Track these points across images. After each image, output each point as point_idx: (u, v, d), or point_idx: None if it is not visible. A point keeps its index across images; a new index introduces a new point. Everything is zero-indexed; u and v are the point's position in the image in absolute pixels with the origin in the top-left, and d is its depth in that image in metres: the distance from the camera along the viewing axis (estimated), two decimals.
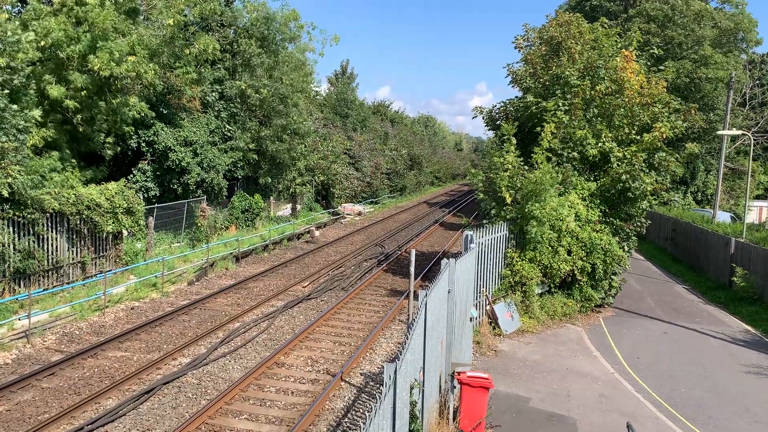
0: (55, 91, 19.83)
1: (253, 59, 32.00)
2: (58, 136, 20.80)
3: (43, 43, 19.96)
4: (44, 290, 17.73)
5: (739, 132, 28.07)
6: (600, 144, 19.83)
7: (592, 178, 20.32)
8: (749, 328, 19.73)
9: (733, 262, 24.09)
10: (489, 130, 24.50)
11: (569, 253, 18.93)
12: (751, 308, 21.50)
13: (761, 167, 54.32)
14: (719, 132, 29.94)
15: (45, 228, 17.93)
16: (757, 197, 49.74)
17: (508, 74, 23.08)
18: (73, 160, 21.78)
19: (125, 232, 21.91)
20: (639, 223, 20.27)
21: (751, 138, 29.61)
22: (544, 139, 19.19)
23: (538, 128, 19.77)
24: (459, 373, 10.77)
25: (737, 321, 20.56)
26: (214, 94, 31.51)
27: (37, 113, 18.69)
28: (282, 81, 33.79)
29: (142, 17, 25.06)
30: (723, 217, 35.60)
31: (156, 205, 25.60)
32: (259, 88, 31.96)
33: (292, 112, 34.56)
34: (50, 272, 18.38)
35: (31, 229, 17.45)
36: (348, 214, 43.94)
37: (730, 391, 14.07)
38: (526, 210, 17.91)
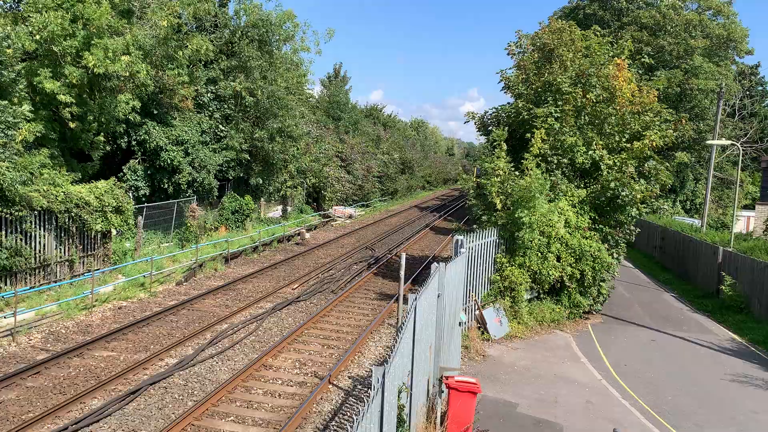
0: (49, 84, 19.70)
1: (249, 62, 31.95)
2: (48, 133, 20.66)
3: (38, 36, 19.85)
4: (31, 288, 17.58)
5: (728, 142, 28.32)
6: (590, 152, 19.93)
7: (582, 185, 20.41)
8: (735, 336, 19.86)
9: (721, 271, 24.26)
10: (481, 135, 24.57)
11: (558, 259, 18.99)
12: (737, 317, 21.65)
13: (749, 177, 54.82)
14: (709, 142, 30.20)
15: (33, 225, 17.78)
16: (745, 207, 50.15)
17: (501, 80, 23.16)
18: (63, 158, 21.62)
19: (114, 231, 21.77)
20: (628, 231, 20.38)
21: (740, 148, 29.86)
22: (534, 145, 19.27)
23: (528, 134, 19.85)
24: (447, 378, 10.76)
25: (724, 329, 20.69)
26: (208, 94, 31.43)
27: (26, 108, 18.54)
28: (276, 82, 33.74)
29: (135, 17, 24.96)
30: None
31: (146, 204, 25.47)
32: (253, 89, 31.90)
33: (286, 114, 34.52)
34: (37, 270, 18.23)
35: (18, 227, 17.29)
36: (339, 217, 43.90)
37: (716, 399, 14.15)
38: (516, 216, 17.96)
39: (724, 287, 23.26)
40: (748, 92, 56.80)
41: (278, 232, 32.35)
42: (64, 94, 20.05)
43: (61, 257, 19.08)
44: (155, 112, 27.25)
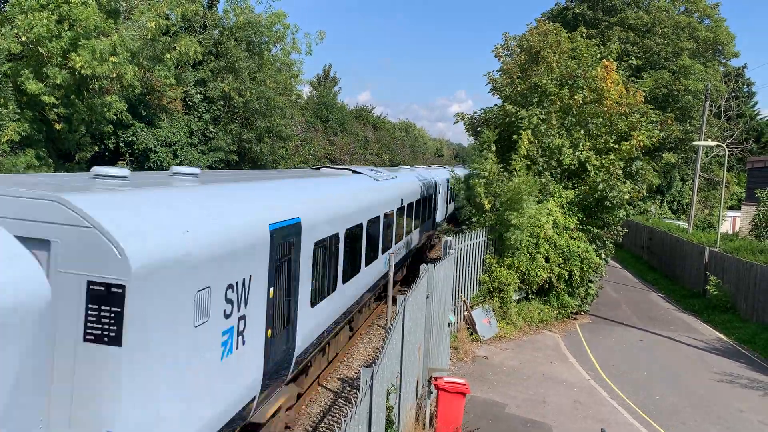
0: (32, 85, 19.52)
1: (238, 63, 31.82)
2: (34, 134, 20.47)
3: (24, 38, 19.67)
4: None
5: (714, 143, 28.58)
6: (577, 153, 20.03)
7: (570, 186, 20.51)
8: (722, 336, 20.03)
9: (707, 271, 24.46)
10: (470, 136, 24.65)
11: (547, 260, 19.07)
12: (724, 316, 21.83)
13: (735, 178, 55.34)
14: (695, 142, 30.44)
15: None
16: (731, 208, 50.63)
17: (489, 82, 23.23)
18: (50, 160, 21.42)
19: None
20: (616, 231, 20.50)
21: (726, 149, 30.13)
22: (522, 146, 19.34)
23: (516, 136, 19.93)
24: (436, 379, 10.78)
25: (710, 329, 20.87)
26: (197, 96, 31.27)
27: (11, 110, 18.37)
28: (266, 83, 33.61)
29: (122, 17, 24.76)
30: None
31: None
32: (242, 91, 31.77)
33: (276, 115, 34.40)
34: None
35: None
36: None
37: (703, 398, 14.27)
38: (505, 217, 18.02)
39: (710, 287, 23.46)
40: (734, 94, 57.36)
41: None
42: (47, 95, 19.87)
43: None
44: (143, 113, 27.08)
